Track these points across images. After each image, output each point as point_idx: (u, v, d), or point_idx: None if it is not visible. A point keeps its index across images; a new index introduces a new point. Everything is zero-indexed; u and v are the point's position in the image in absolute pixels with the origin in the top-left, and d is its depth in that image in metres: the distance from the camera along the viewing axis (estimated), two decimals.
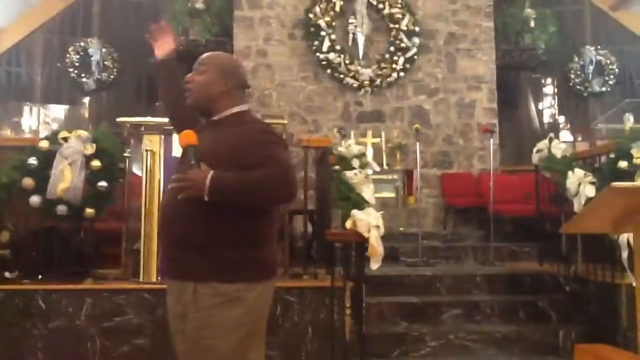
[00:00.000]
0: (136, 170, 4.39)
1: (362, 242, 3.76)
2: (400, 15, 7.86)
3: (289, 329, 3.80)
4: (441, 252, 5.78)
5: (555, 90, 9.01)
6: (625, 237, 3.74)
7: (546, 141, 4.95)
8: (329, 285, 3.77)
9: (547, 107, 8.90)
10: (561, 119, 8.54)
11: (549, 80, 9.11)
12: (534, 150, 5.04)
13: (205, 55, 2.22)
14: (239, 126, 2.04)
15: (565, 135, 8.50)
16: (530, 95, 9.30)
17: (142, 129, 4.20)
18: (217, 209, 1.89)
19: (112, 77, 9.13)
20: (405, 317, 4.27)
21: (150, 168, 4.08)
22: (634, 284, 3.38)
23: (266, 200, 1.94)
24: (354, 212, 3.80)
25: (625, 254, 3.78)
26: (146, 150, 4.10)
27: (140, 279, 3.90)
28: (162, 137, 4.16)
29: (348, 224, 3.79)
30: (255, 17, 7.90)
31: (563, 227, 3.65)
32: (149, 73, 8.89)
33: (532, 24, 8.43)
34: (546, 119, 8.94)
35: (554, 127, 8.63)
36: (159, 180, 4.08)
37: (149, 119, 4.35)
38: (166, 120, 4.40)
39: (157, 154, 4.11)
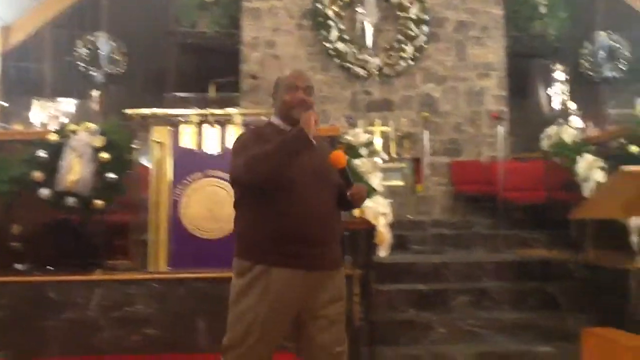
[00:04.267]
0: (145, 161, 4.42)
1: (370, 230, 3.77)
2: (408, 4, 7.81)
3: None
4: (450, 239, 5.76)
5: (566, 76, 8.90)
6: (635, 221, 3.72)
7: (556, 127, 4.91)
8: None
9: (558, 93, 8.81)
10: (572, 105, 8.44)
11: (559, 66, 9.00)
12: (544, 136, 5.00)
13: (305, 74, 2.49)
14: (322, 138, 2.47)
15: (576, 121, 8.40)
16: (540, 82, 9.21)
17: (151, 120, 4.22)
18: (338, 210, 2.40)
19: (121, 70, 9.18)
20: (414, 304, 4.27)
21: (158, 159, 4.11)
22: None
23: None
24: None
25: (635, 239, 3.76)
26: (154, 142, 4.13)
27: (149, 269, 3.94)
28: (171, 128, 4.19)
29: (356, 212, 3.79)
30: (263, 8, 7.89)
31: (573, 213, 3.63)
32: (158, 66, 8.93)
33: (543, 10, 8.34)
34: (557, 105, 8.85)
35: (565, 114, 8.54)
36: (168, 171, 4.10)
37: (157, 110, 4.37)
38: (175, 111, 4.47)
39: (165, 145, 4.14)
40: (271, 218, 2.25)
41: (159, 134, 4.15)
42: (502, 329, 4.07)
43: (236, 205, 2.37)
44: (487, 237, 5.78)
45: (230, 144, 4.21)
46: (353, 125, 6.40)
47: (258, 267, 2.24)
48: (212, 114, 4.30)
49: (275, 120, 2.44)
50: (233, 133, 4.22)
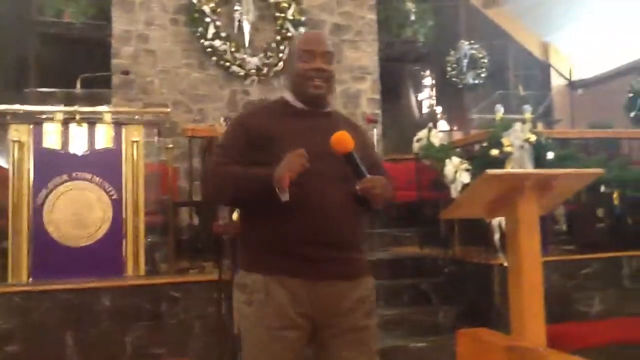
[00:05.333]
0: (3, 162, 4.06)
1: None
2: (286, 4, 7.83)
3: (174, 325, 3.69)
4: None
5: (434, 81, 9.44)
6: (497, 221, 4.00)
7: (426, 131, 5.16)
8: (217, 279, 3.69)
9: (426, 97, 9.32)
10: (439, 109, 8.98)
11: (427, 72, 9.53)
12: (415, 139, 5.24)
13: (325, 38, 2.02)
14: (346, 122, 2.05)
15: (443, 124, 8.94)
16: (410, 86, 9.68)
17: (8, 117, 3.87)
18: (360, 208, 1.94)
19: None
20: None
21: (17, 160, 3.78)
22: (505, 265, 3.62)
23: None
24: None
25: (497, 237, 4.05)
26: (13, 141, 3.79)
27: (8, 281, 3.61)
28: (32, 126, 3.87)
29: (235, 216, 3.73)
30: (135, 1, 7.52)
31: (442, 213, 3.83)
32: (19, 58, 8.21)
33: (413, 17, 8.76)
34: (425, 109, 9.37)
35: (432, 117, 9.05)
36: (29, 173, 3.78)
37: (17, 106, 4.02)
38: (37, 108, 4.13)
39: (25, 145, 3.81)
40: (272, 217, 1.84)
41: (19, 132, 3.83)
42: (379, 325, 4.19)
43: None
44: None
45: (99, 143, 3.99)
46: None
47: (255, 277, 1.86)
48: (80, 112, 4.04)
49: (286, 94, 2.01)
50: (102, 132, 3.99)
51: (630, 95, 8.72)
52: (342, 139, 1.77)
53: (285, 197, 1.75)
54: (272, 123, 1.90)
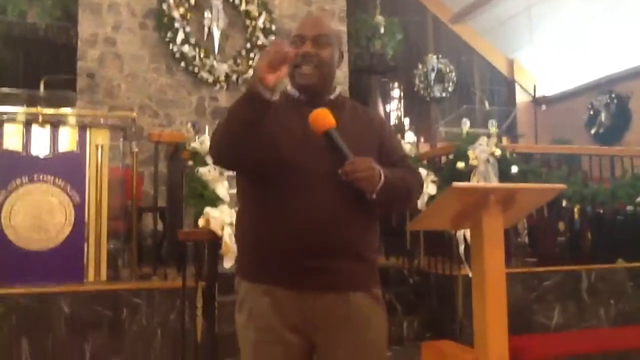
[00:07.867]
0: None
1: (215, 241, 3.68)
2: (256, 13, 7.83)
3: (135, 333, 3.61)
4: None
5: (402, 94, 9.55)
6: (462, 233, 4.05)
7: None
8: (180, 286, 3.64)
9: (394, 109, 9.41)
10: (406, 121, 9.06)
11: (396, 84, 9.63)
12: None
13: (320, 21, 1.85)
14: (353, 110, 1.89)
15: (410, 136, 9.04)
16: (379, 98, 9.76)
17: None
18: (366, 209, 1.68)
19: None
20: None
21: None
22: (469, 275, 3.67)
23: (414, 201, 1.86)
24: (207, 209, 3.71)
25: (462, 248, 4.10)
26: None
27: None
28: None
29: (201, 222, 3.69)
30: (103, 3, 7.41)
31: (409, 224, 3.86)
32: None
33: (382, 30, 8.87)
34: (393, 120, 9.45)
35: (400, 128, 9.14)
36: None
37: None
38: None
39: None
40: (258, 218, 1.69)
41: None
42: None
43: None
44: None
45: (62, 146, 3.90)
46: (199, 131, 6.24)
47: (243, 285, 1.73)
48: (42, 113, 3.94)
49: (288, 86, 1.85)
50: (66, 135, 3.90)
51: (591, 112, 9.00)
52: (320, 116, 1.59)
53: (274, 95, 1.52)
54: (271, 113, 1.62)
